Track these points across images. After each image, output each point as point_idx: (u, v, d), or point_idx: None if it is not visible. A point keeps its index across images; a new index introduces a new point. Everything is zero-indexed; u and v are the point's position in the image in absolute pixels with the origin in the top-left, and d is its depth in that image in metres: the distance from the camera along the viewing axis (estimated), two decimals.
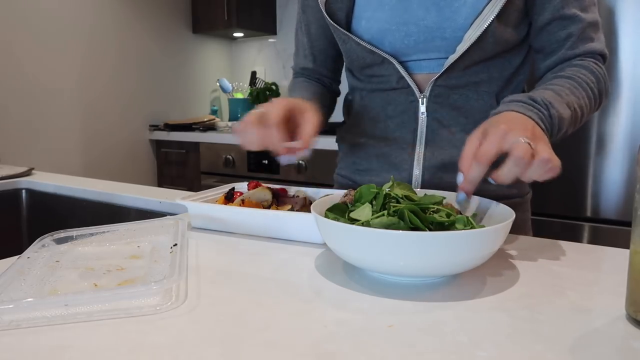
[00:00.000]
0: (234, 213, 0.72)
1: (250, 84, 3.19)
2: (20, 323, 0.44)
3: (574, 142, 1.72)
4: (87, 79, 2.66)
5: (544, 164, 0.56)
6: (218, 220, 0.74)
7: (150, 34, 2.94)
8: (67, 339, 0.41)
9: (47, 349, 0.39)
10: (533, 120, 0.63)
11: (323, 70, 0.97)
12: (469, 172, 0.58)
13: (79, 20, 2.60)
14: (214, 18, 3.04)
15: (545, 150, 0.57)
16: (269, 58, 3.27)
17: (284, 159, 0.69)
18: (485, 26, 0.74)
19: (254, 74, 3.19)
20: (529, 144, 0.56)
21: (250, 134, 0.68)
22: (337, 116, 0.99)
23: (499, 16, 0.75)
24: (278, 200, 0.78)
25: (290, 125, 0.69)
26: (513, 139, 0.57)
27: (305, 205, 0.75)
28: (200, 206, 0.75)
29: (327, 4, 0.85)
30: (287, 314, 0.45)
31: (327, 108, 0.95)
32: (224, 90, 3.18)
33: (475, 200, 0.64)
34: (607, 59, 0.82)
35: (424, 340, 0.40)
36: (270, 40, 3.25)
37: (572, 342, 0.40)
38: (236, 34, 3.24)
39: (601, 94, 0.79)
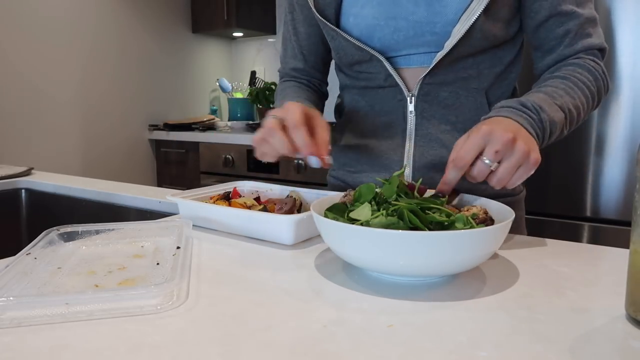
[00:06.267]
0: (215, 211, 0.75)
1: (249, 84, 3.19)
2: (21, 322, 0.44)
3: (574, 141, 1.72)
4: (87, 78, 2.66)
5: (521, 154, 0.58)
6: (203, 218, 0.77)
7: (149, 34, 2.94)
8: (67, 338, 0.41)
9: (48, 348, 0.39)
10: (521, 125, 0.64)
11: (313, 70, 0.96)
12: (446, 174, 0.61)
13: (79, 20, 2.59)
14: (214, 18, 3.03)
15: (523, 143, 0.59)
16: (269, 58, 3.27)
17: (313, 161, 0.68)
18: (473, 21, 0.74)
19: (253, 73, 3.19)
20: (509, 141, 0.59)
21: (276, 139, 0.67)
22: (329, 116, 1.00)
23: (486, 11, 0.75)
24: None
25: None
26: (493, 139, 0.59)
27: (294, 207, 0.75)
28: (189, 204, 0.77)
29: (315, 1, 0.85)
30: (287, 314, 0.45)
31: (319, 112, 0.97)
32: (223, 90, 3.18)
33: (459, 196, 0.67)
34: (606, 52, 0.81)
35: (423, 340, 0.40)
36: (270, 40, 3.25)
37: (572, 342, 0.40)
38: (236, 34, 3.24)
39: (600, 92, 0.79)
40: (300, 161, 2.35)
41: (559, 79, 0.75)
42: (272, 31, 3.16)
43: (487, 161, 0.59)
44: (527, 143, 0.60)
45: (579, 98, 0.74)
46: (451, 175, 0.61)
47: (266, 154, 0.70)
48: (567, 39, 0.78)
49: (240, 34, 3.25)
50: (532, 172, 0.60)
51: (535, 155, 0.60)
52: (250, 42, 3.36)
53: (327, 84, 1.01)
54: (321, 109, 0.96)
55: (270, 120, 0.68)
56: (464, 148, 0.60)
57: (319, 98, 0.97)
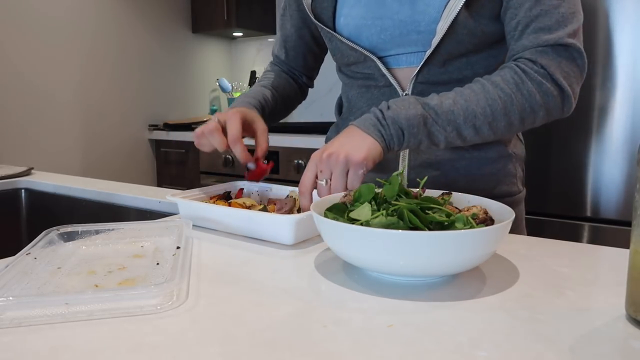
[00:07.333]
0: (215, 211, 0.75)
1: (249, 84, 3.19)
2: (21, 322, 0.44)
3: (574, 141, 1.72)
4: (87, 78, 2.66)
5: (340, 163, 0.66)
6: (203, 218, 0.77)
7: (149, 34, 2.94)
8: (67, 338, 0.41)
9: (48, 348, 0.39)
10: (363, 129, 0.69)
11: (293, 63, 1.04)
12: (301, 201, 0.70)
13: (79, 20, 2.59)
14: (214, 18, 3.03)
15: (340, 153, 0.66)
16: (269, 58, 3.27)
17: (250, 165, 0.85)
18: (454, 16, 0.73)
19: (253, 73, 3.19)
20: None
21: (215, 140, 0.78)
22: (330, 115, 1.00)
23: (469, 6, 0.73)
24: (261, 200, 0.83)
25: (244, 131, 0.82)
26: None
27: (294, 207, 0.75)
28: (189, 204, 0.77)
29: (312, 5, 0.87)
30: (287, 314, 0.45)
31: (288, 98, 1.03)
32: (223, 89, 3.18)
33: None
34: (574, 50, 0.71)
35: (423, 340, 0.40)
36: (270, 39, 3.25)
37: (572, 342, 0.40)
38: (236, 34, 3.24)
39: (532, 97, 0.70)
40: (300, 161, 2.35)
41: (469, 85, 0.72)
42: (272, 31, 3.16)
43: (320, 182, 0.68)
44: (344, 150, 0.67)
45: (477, 102, 0.69)
46: (302, 203, 0.70)
47: (204, 146, 0.81)
48: (517, 32, 0.73)
49: (240, 34, 3.25)
50: (362, 170, 0.66)
51: (355, 157, 0.66)
52: (250, 42, 3.36)
53: (310, 77, 1.07)
54: (293, 94, 1.04)
55: (213, 123, 0.79)
56: (302, 176, 0.70)
57: (292, 86, 1.04)
